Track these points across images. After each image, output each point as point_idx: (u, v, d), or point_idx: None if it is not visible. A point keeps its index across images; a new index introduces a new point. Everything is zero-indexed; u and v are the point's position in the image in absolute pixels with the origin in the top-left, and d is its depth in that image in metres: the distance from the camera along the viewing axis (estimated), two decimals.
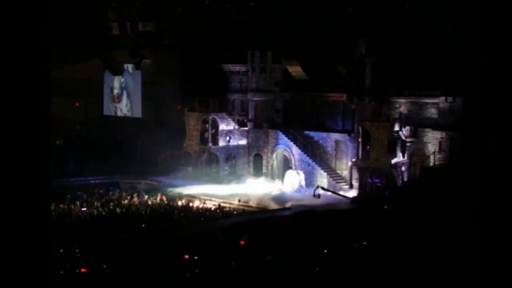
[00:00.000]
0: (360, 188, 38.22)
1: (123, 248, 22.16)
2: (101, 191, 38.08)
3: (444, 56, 35.71)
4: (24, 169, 5.38)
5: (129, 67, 45.79)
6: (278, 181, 41.83)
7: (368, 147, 38.04)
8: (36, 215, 5.46)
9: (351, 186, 40.14)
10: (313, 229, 24.89)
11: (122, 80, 50.68)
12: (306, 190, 39.56)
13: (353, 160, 39.35)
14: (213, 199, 36.86)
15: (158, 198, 36.42)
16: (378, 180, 37.76)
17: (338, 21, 39.49)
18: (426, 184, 33.72)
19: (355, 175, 39.42)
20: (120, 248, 22.13)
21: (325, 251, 20.72)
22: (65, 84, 45.80)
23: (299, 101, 45.34)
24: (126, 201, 35.26)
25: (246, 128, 45.28)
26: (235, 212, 34.07)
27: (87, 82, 51.25)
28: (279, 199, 37.60)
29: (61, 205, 32.81)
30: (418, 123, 39.00)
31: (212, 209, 34.42)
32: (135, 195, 36.69)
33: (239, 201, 36.40)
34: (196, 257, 19.76)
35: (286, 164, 44.02)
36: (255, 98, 45.23)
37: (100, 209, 32.90)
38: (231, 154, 45.00)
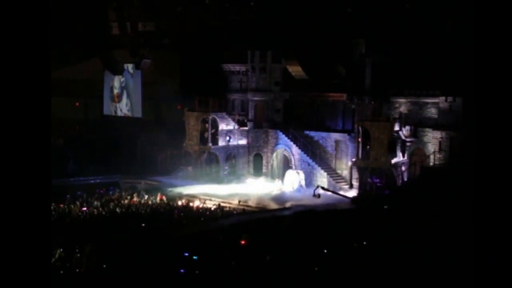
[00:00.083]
0: (360, 188, 38.22)
1: (123, 248, 22.15)
2: (101, 191, 38.06)
3: (444, 56, 35.68)
4: (24, 169, 5.38)
5: (129, 67, 45.82)
6: (278, 181, 41.83)
7: (368, 147, 38.05)
8: (36, 215, 5.46)
9: (351, 186, 40.14)
10: (313, 229, 24.88)
11: (122, 80, 50.67)
12: (306, 190, 39.56)
13: (353, 160, 39.35)
14: (213, 199, 36.86)
15: (158, 198, 36.41)
16: (378, 180, 37.77)
17: (338, 21, 39.48)
18: (426, 184, 33.71)
19: (355, 175, 39.42)
20: (120, 248, 22.13)
21: (325, 251, 20.71)
22: (65, 84, 45.73)
23: (299, 101, 45.34)
24: (126, 201, 35.26)
25: (246, 128, 45.28)
26: (235, 212, 34.08)
27: (87, 82, 51.21)
28: (279, 199, 37.59)
29: (61, 205, 32.79)
30: (418, 123, 39.01)
31: (212, 209, 34.42)
32: (135, 195, 36.69)
33: (239, 202, 36.38)
34: (196, 257, 19.76)
35: (286, 164, 44.02)
36: (255, 98, 45.23)
37: (100, 209, 32.90)
38: (231, 154, 45.00)
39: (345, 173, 41.63)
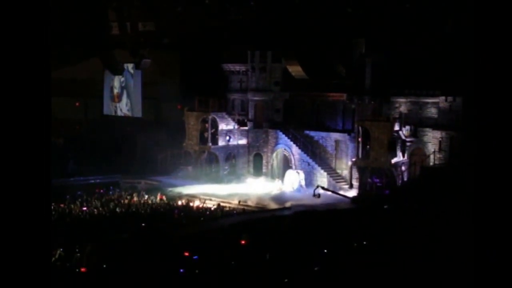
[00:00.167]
0: (360, 187, 38.23)
1: (123, 248, 22.15)
2: (101, 191, 38.08)
3: (444, 56, 35.69)
4: (25, 168, 5.38)
5: (129, 66, 45.81)
6: (278, 181, 41.83)
7: (368, 146, 38.05)
8: (36, 214, 5.46)
9: (351, 186, 40.15)
10: (313, 229, 24.88)
11: (122, 79, 50.65)
12: (306, 190, 39.56)
13: (353, 159, 39.36)
14: (213, 198, 36.87)
15: (158, 198, 36.43)
16: (378, 180, 37.77)
17: (338, 21, 39.46)
18: (426, 183, 33.72)
19: (355, 174, 39.43)
20: (120, 248, 22.13)
21: (325, 251, 20.72)
22: (65, 83, 45.75)
23: (299, 101, 45.34)
24: (126, 201, 35.27)
25: (246, 128, 45.28)
26: (235, 212, 34.09)
27: (87, 81, 51.23)
28: (279, 198, 37.60)
29: (61, 205, 32.81)
30: (418, 123, 39.02)
31: (212, 208, 34.43)
32: (135, 194, 36.70)
33: (239, 202, 36.39)
34: (196, 257, 19.76)
35: (286, 164, 44.02)
36: (255, 98, 45.22)
37: (100, 208, 32.91)
38: (231, 153, 45.01)
39: (345, 173, 41.63)
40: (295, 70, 45.51)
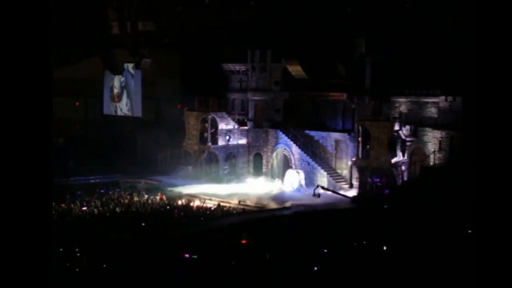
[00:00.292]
0: (360, 187, 38.23)
1: (123, 247, 22.16)
2: (101, 190, 38.07)
3: (444, 56, 35.72)
4: (25, 168, 5.39)
5: (129, 66, 45.78)
6: (278, 181, 41.85)
7: (368, 146, 38.07)
8: (36, 214, 5.46)
9: (351, 186, 40.16)
10: (313, 229, 24.89)
11: (122, 79, 50.63)
12: (306, 190, 39.56)
13: (353, 159, 39.36)
14: (213, 198, 36.87)
15: (158, 198, 36.42)
16: (378, 180, 37.77)
17: (338, 21, 39.48)
18: (426, 183, 33.73)
19: (355, 174, 39.44)
20: (120, 247, 22.13)
21: (325, 250, 20.72)
22: (65, 83, 45.76)
23: (299, 101, 45.35)
24: (126, 201, 35.27)
25: (246, 128, 45.29)
26: (234, 212, 34.10)
27: (87, 81, 51.21)
28: (279, 198, 37.61)
29: (62, 205, 32.81)
30: (418, 123, 39.02)
31: (212, 208, 34.43)
32: (135, 194, 36.70)
33: (239, 201, 36.39)
34: (196, 257, 19.77)
35: (286, 164, 44.02)
36: (255, 98, 45.23)
37: (100, 208, 32.91)
38: (231, 153, 45.01)
39: (345, 172, 41.64)
40: (295, 69, 45.52)
